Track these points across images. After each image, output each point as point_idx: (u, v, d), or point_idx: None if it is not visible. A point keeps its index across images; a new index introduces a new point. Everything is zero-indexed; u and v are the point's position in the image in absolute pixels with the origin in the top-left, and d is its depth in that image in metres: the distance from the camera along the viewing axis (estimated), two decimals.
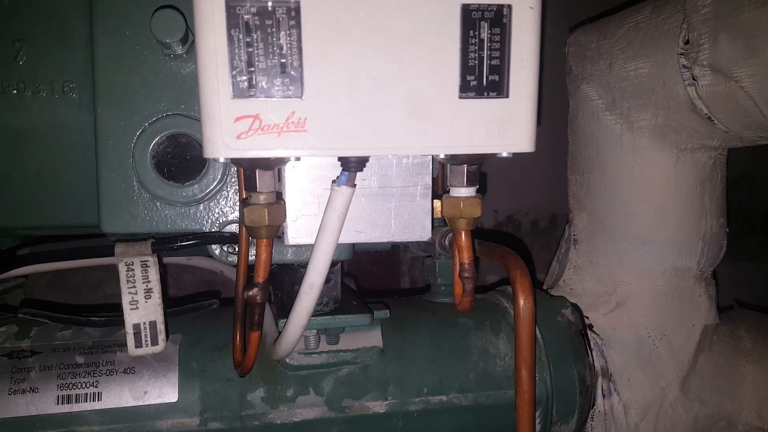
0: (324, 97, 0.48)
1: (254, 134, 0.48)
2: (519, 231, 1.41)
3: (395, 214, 0.61)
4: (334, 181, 0.55)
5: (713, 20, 0.66)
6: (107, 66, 0.59)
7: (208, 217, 0.62)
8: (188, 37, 0.57)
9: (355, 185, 0.55)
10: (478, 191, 0.57)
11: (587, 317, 0.91)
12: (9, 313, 0.75)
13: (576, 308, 0.89)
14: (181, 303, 0.72)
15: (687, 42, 0.72)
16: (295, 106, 0.48)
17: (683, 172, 0.87)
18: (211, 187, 0.62)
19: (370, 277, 1.33)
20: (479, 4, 0.49)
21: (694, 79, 0.72)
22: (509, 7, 0.49)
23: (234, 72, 0.47)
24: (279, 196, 0.57)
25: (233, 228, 0.63)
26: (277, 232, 0.55)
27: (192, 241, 0.60)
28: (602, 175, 0.93)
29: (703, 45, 0.68)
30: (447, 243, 0.75)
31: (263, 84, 0.48)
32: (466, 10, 0.49)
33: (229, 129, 0.48)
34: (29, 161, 0.66)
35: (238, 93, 0.47)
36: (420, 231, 0.62)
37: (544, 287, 1.04)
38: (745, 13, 0.61)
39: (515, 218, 1.40)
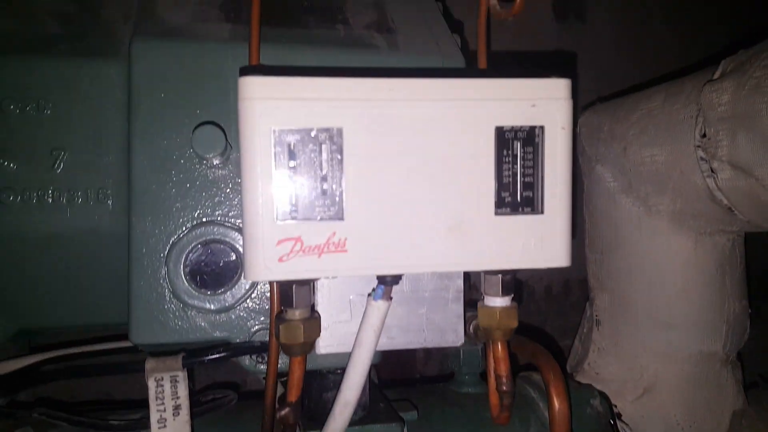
0: (364, 218, 0.49)
1: (295, 256, 0.49)
2: (533, 297, 1.41)
3: (427, 319, 0.61)
4: (369, 294, 0.55)
5: (731, 119, 0.68)
6: (143, 174, 0.60)
7: (239, 324, 0.62)
8: (227, 150, 0.59)
9: (391, 298, 0.55)
10: (513, 299, 0.57)
11: (615, 405, 0.90)
12: (23, 411, 0.74)
13: (604, 397, 0.88)
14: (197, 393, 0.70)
15: (704, 135, 0.74)
16: (335, 227, 0.49)
17: (703, 254, 0.87)
18: (243, 294, 0.62)
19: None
20: (512, 126, 0.50)
21: (713, 171, 0.73)
22: (542, 128, 0.51)
23: (278, 195, 0.48)
24: (313, 308, 0.57)
25: (262, 334, 0.63)
26: (311, 349, 0.55)
27: (222, 354, 0.60)
28: (622, 257, 0.93)
29: (722, 141, 0.70)
30: (472, 330, 0.75)
31: (305, 206, 0.49)
32: (500, 131, 0.50)
33: (272, 252, 0.48)
34: (60, 265, 0.66)
35: (282, 216, 0.48)
36: (452, 336, 0.62)
37: (568, 369, 1.02)
38: (764, 117, 0.63)
39: (529, 284, 1.40)
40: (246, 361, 0.63)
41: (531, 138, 0.51)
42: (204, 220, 0.61)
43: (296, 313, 0.53)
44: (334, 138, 0.48)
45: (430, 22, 0.70)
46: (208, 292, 0.61)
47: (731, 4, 1.41)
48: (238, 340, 0.62)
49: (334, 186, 0.49)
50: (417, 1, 0.73)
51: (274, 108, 0.47)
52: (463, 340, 0.63)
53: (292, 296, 0.53)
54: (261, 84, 0.47)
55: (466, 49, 0.68)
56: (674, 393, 0.90)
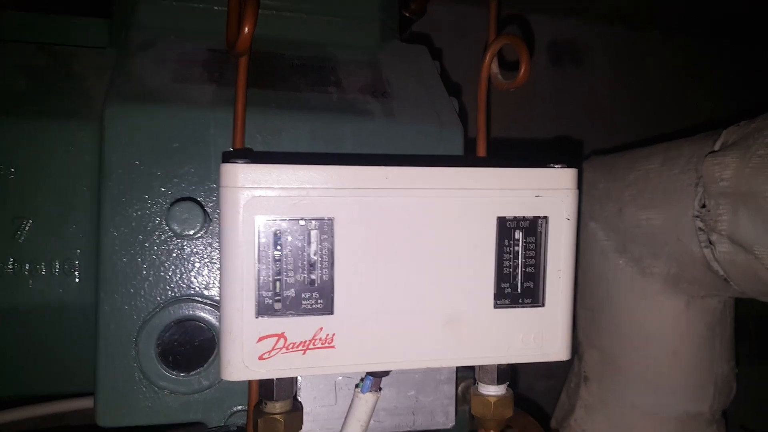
0: (355, 312, 0.46)
1: (278, 353, 0.45)
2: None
3: (417, 401, 0.58)
4: (357, 386, 0.51)
5: (733, 195, 0.66)
6: (113, 246, 0.56)
7: (214, 406, 0.58)
8: (206, 223, 0.55)
9: (380, 389, 0.51)
10: (509, 386, 0.54)
11: None
12: None
13: None
14: None
15: (703, 206, 0.72)
16: (323, 322, 0.45)
17: (694, 317, 0.85)
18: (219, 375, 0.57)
19: None
20: (515, 216, 0.47)
21: (711, 243, 0.71)
22: (545, 218, 0.48)
23: (260, 290, 0.44)
24: (295, 398, 0.53)
25: (240, 416, 0.59)
26: None
27: None
28: (613, 315, 0.91)
29: (722, 216, 0.68)
30: (460, 394, 0.72)
31: (291, 300, 0.45)
32: (502, 221, 0.47)
33: (251, 350, 0.44)
34: (23, 337, 0.61)
35: (263, 311, 0.44)
36: (443, 418, 0.59)
37: (554, 423, 1.00)
38: None
39: None
40: None
41: (534, 228, 0.48)
42: (178, 297, 0.57)
43: (276, 406, 0.49)
44: (324, 228, 0.45)
45: (427, 85, 0.67)
46: (181, 374, 0.56)
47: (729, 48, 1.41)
48: (212, 425, 0.58)
49: (323, 278, 0.45)
50: (414, 61, 0.69)
51: (260, 197, 0.43)
52: (453, 422, 0.59)
53: (273, 388, 0.49)
54: (245, 172, 0.43)
55: (464, 115, 0.65)
56: None
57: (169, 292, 0.57)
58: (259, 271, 0.44)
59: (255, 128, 0.57)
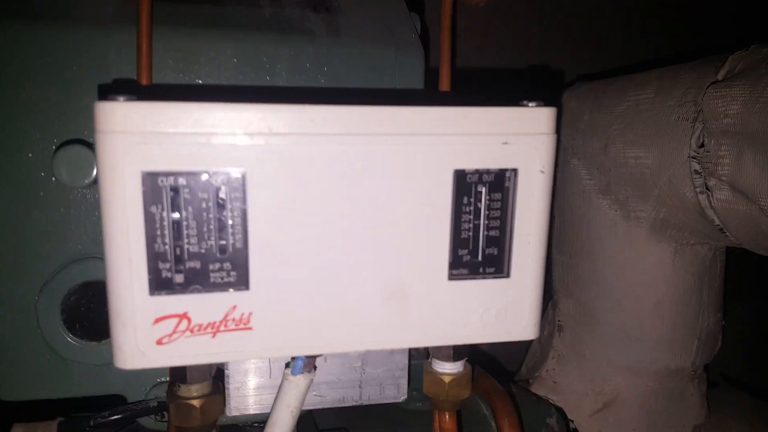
0: (275, 286, 0.37)
1: (180, 337, 0.37)
2: None
3: (363, 373, 0.51)
4: (287, 365, 0.44)
5: (738, 135, 0.57)
6: (3, 198, 0.46)
7: (132, 379, 0.51)
8: None
9: (315, 368, 0.44)
10: (467, 362, 0.47)
11: (572, 420, 0.83)
12: None
13: (561, 413, 0.80)
14: None
15: (701, 145, 0.63)
16: (237, 299, 0.37)
17: (681, 266, 0.78)
18: None
19: None
20: (476, 168, 0.38)
21: (707, 188, 0.63)
22: (514, 171, 0.39)
23: (154, 261, 0.35)
24: (215, 378, 0.45)
25: (162, 388, 0.51)
26: (213, 428, 0.44)
27: (112, 417, 0.48)
28: (592, 263, 0.84)
29: (723, 158, 0.59)
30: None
31: (194, 273, 0.36)
32: (460, 174, 0.38)
33: (147, 333, 0.36)
34: None
35: (160, 286, 0.36)
36: (393, 392, 0.52)
37: (524, 370, 0.95)
38: None
39: None
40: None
41: (499, 183, 0.39)
42: (84, 257, 0.48)
43: (191, 390, 0.42)
44: (234, 184, 0.35)
45: None
46: (92, 342, 0.49)
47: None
48: (131, 400, 0.51)
49: (236, 245, 0.36)
50: None
51: (147, 145, 0.34)
52: (405, 396, 0.53)
53: (185, 370, 0.42)
54: (127, 112, 0.33)
55: (425, 36, 0.54)
56: (635, 409, 0.83)
57: (72, 251, 0.48)
58: (150, 236, 0.35)
59: (166, 51, 0.47)
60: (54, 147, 0.46)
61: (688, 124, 0.65)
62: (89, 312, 0.48)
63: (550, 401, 0.84)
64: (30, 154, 0.46)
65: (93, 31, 0.46)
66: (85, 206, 0.47)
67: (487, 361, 1.03)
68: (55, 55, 0.45)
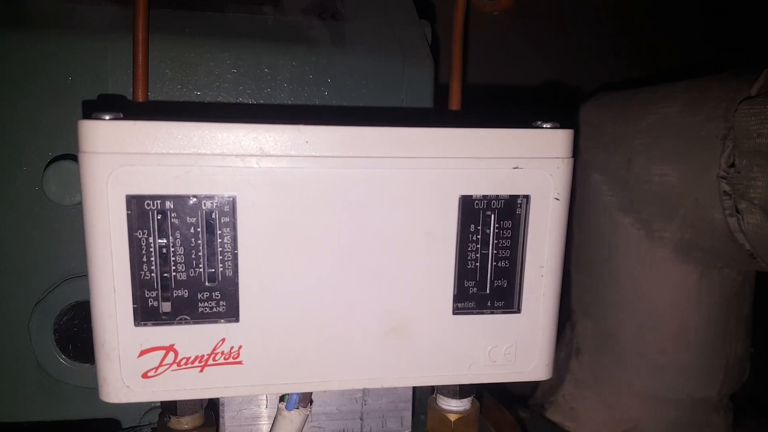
0: (268, 319, 0.35)
1: (167, 371, 0.35)
2: None
3: (365, 404, 0.48)
4: (282, 399, 0.41)
5: None
6: None
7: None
8: None
9: (311, 402, 0.41)
10: (474, 399, 0.44)
11: None
12: None
13: None
14: None
15: (732, 165, 0.59)
16: (225, 331, 0.35)
17: (708, 290, 0.74)
18: None
19: None
20: (485, 195, 0.35)
21: (737, 211, 0.59)
22: (526, 198, 0.36)
23: (140, 289, 0.33)
24: (207, 409, 0.43)
25: (156, 413, 0.49)
26: None
27: None
28: (613, 284, 0.80)
29: (756, 181, 0.55)
30: None
31: (181, 303, 0.34)
32: (466, 201, 0.35)
33: (132, 366, 0.34)
34: None
35: (146, 316, 0.34)
36: (397, 424, 0.49)
37: (539, 395, 0.92)
38: None
39: None
40: None
41: (510, 210, 0.36)
42: (77, 275, 0.46)
43: (182, 422, 0.40)
44: (224, 208, 0.33)
45: (391, 4, 0.53)
46: (85, 364, 0.47)
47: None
48: (125, 425, 0.49)
49: (226, 273, 0.34)
50: None
51: (132, 167, 0.32)
52: (409, 429, 0.50)
53: (175, 403, 0.39)
54: (111, 131, 0.31)
55: (436, 45, 0.52)
56: None
57: (64, 268, 0.46)
58: (134, 263, 0.33)
59: (163, 61, 0.45)
60: (48, 160, 0.44)
61: (718, 141, 0.61)
62: (82, 333, 0.47)
63: (566, 429, 0.80)
64: (24, 168, 0.44)
65: (89, 40, 0.44)
66: (79, 223, 0.45)
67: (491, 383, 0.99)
68: (50, 65, 0.43)
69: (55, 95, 0.43)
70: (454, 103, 0.47)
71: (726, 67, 0.69)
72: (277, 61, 0.46)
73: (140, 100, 0.42)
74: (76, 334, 0.47)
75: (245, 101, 0.46)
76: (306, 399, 0.40)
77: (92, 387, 0.47)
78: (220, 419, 0.46)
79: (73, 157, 0.41)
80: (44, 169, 0.41)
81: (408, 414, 0.49)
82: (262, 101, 0.46)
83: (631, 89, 0.79)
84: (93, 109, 0.32)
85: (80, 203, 0.41)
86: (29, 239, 0.45)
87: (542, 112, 0.37)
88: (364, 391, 0.48)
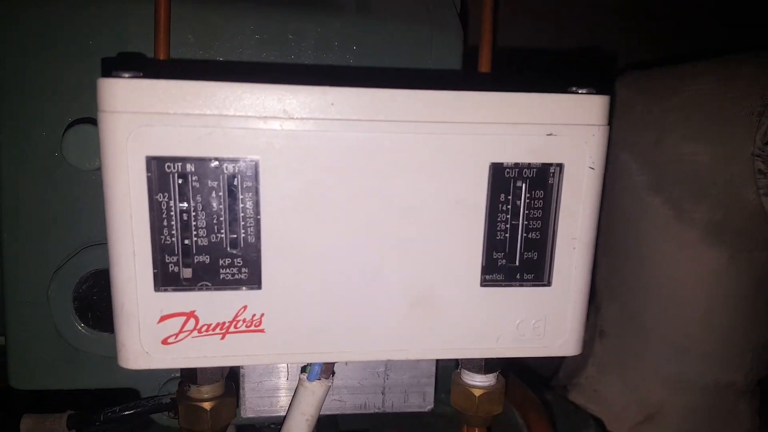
0: (289, 286, 0.34)
1: (187, 337, 0.34)
2: None
3: (387, 378, 0.48)
4: (304, 369, 0.40)
5: None
6: (14, 181, 0.44)
7: (146, 372, 0.48)
8: None
9: (332, 375, 0.41)
10: (500, 375, 0.43)
11: None
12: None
13: (600, 425, 0.76)
14: None
15: (767, 143, 0.57)
16: (247, 298, 0.34)
17: (737, 273, 0.72)
18: None
19: None
20: (516, 162, 0.34)
21: None
22: (559, 166, 0.34)
23: (159, 254, 0.33)
24: (227, 378, 0.42)
25: (175, 383, 0.49)
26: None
27: (123, 413, 0.46)
28: (641, 265, 0.78)
29: None
30: None
31: (203, 268, 0.33)
32: (497, 168, 0.34)
33: (151, 332, 0.34)
34: None
35: (166, 281, 0.33)
36: (419, 400, 0.49)
37: (561, 376, 0.90)
38: None
39: None
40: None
41: (542, 179, 0.34)
42: (97, 242, 0.46)
43: (202, 391, 0.39)
44: (246, 172, 0.32)
45: None
46: (104, 333, 0.47)
47: None
48: (144, 394, 0.49)
49: (248, 239, 0.33)
50: None
51: (152, 127, 0.31)
52: (432, 405, 0.49)
53: (195, 371, 0.39)
54: (131, 90, 0.30)
55: (465, 14, 0.50)
56: (680, 424, 0.78)
57: (84, 236, 0.46)
58: (155, 227, 0.32)
59: (186, 25, 0.44)
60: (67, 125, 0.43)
61: (753, 119, 0.59)
62: (101, 301, 0.46)
63: (589, 411, 0.79)
64: (43, 133, 0.44)
65: (111, 3, 0.43)
66: (99, 189, 0.45)
67: (520, 363, 0.98)
68: (71, 28, 0.42)
69: (76, 58, 0.43)
70: (484, 65, 0.45)
71: (762, 44, 0.66)
72: (302, 27, 0.45)
73: (161, 57, 0.41)
74: (96, 302, 0.46)
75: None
76: (328, 370, 0.40)
77: (111, 356, 0.47)
78: (240, 390, 0.45)
79: (93, 121, 0.41)
80: (63, 133, 0.40)
81: (431, 390, 0.48)
82: None
83: (661, 66, 0.77)
84: (112, 67, 0.31)
85: (100, 168, 0.41)
86: (49, 206, 0.45)
87: (573, 78, 0.35)
88: (387, 366, 0.47)
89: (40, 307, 0.46)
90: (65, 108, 0.43)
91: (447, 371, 0.64)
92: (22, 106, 0.43)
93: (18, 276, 0.46)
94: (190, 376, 0.39)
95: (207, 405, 0.39)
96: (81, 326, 0.46)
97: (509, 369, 0.62)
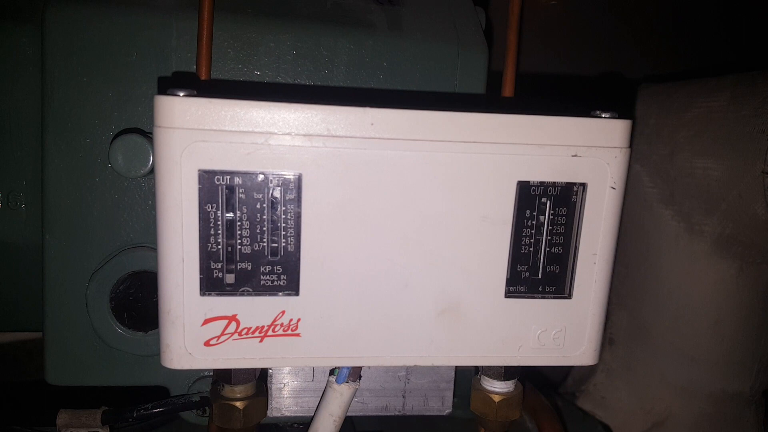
0: (325, 293, 0.36)
1: (228, 340, 0.36)
2: None
3: (407, 382, 0.50)
4: (332, 372, 0.42)
5: None
6: (58, 184, 0.46)
7: (177, 371, 0.50)
8: None
9: (360, 377, 0.43)
10: (518, 382, 0.45)
11: None
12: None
13: (608, 431, 0.78)
14: None
15: None
16: (286, 304, 0.36)
17: (745, 285, 0.74)
18: None
19: None
20: (542, 181, 0.36)
21: None
22: (583, 185, 0.36)
23: (206, 260, 0.35)
24: (259, 379, 0.44)
25: (205, 383, 0.51)
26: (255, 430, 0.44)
27: (155, 410, 0.48)
28: (650, 275, 0.80)
29: None
30: None
31: (245, 275, 0.35)
32: (524, 186, 0.36)
33: (195, 334, 0.36)
34: None
35: (211, 286, 0.35)
36: (438, 404, 0.51)
37: (569, 383, 0.92)
38: None
39: None
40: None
41: (566, 197, 0.36)
42: (134, 245, 0.48)
43: (235, 391, 0.41)
44: (289, 186, 0.34)
45: None
46: (138, 333, 0.49)
47: None
48: (174, 393, 0.51)
49: (288, 248, 0.35)
50: None
51: (205, 143, 0.33)
52: (450, 409, 0.51)
53: (230, 371, 0.41)
54: (186, 107, 0.32)
55: (490, 32, 0.52)
56: (685, 431, 0.79)
57: (124, 240, 0.48)
58: (203, 236, 0.34)
59: (225, 40, 0.46)
60: (112, 133, 0.46)
61: (764, 137, 0.61)
62: (137, 302, 0.48)
63: (596, 417, 0.81)
64: (88, 140, 0.46)
65: (154, 17, 0.45)
66: (139, 195, 0.47)
67: (533, 368, 1.00)
68: (117, 40, 0.45)
69: (121, 70, 0.45)
70: (508, 90, 0.47)
71: None
72: (335, 44, 0.47)
73: (203, 77, 0.43)
74: (131, 303, 0.48)
75: (303, 82, 0.47)
76: (356, 374, 0.42)
77: (144, 355, 0.50)
78: (268, 390, 0.47)
79: (139, 131, 0.43)
80: (111, 142, 0.42)
81: (449, 394, 0.50)
82: (319, 82, 0.47)
83: (676, 81, 0.79)
84: (167, 85, 0.33)
85: (143, 176, 0.43)
86: (90, 209, 0.47)
87: (594, 102, 0.37)
88: (408, 370, 0.49)
89: (78, 306, 0.48)
90: (107, 117, 0.45)
91: (464, 376, 0.67)
92: (67, 115, 0.45)
93: (58, 276, 0.48)
94: (223, 376, 0.41)
95: (240, 404, 0.41)
96: (117, 326, 0.48)
97: (526, 376, 0.64)
